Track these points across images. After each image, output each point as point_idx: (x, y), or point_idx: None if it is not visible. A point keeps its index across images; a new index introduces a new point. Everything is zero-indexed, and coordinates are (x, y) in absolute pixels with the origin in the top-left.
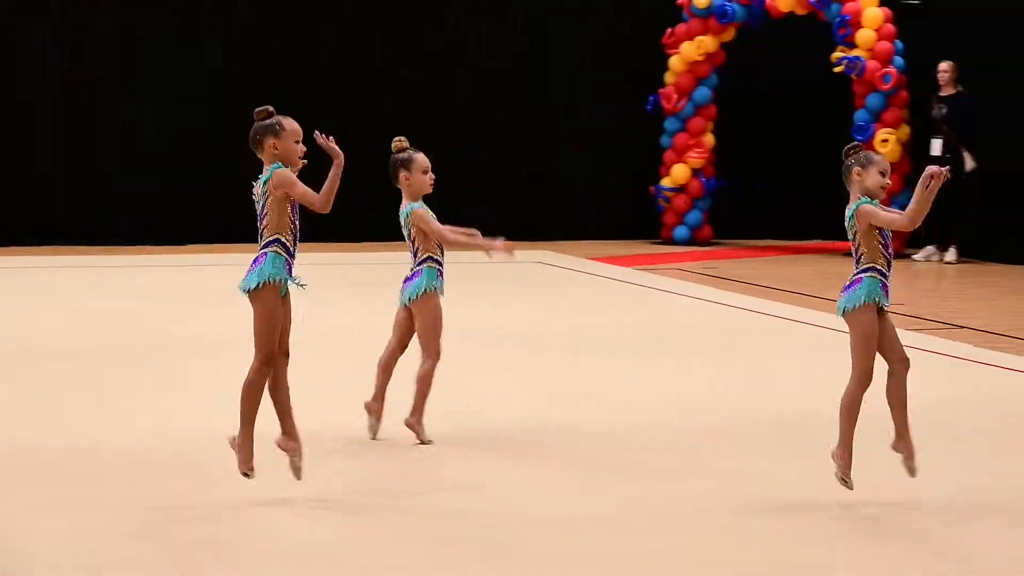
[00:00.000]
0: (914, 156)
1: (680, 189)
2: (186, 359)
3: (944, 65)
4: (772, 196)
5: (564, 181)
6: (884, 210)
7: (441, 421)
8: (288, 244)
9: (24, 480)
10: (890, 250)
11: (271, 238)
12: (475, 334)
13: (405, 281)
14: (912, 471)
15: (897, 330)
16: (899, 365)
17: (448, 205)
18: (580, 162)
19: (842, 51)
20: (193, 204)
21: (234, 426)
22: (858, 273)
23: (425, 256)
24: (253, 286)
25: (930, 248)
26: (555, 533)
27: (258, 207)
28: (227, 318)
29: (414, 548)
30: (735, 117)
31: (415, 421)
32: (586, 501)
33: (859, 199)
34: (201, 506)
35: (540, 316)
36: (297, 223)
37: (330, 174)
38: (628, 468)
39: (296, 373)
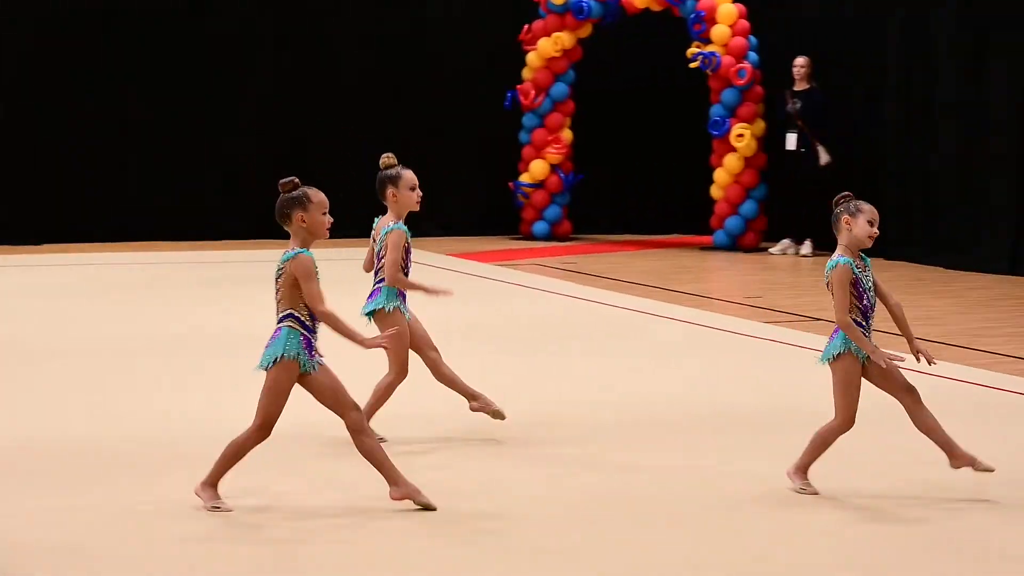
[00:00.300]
0: (768, 150)
1: (539, 185)
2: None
3: (800, 60)
4: (630, 191)
5: (423, 177)
6: (844, 294)
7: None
8: (303, 319)
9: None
10: (865, 301)
11: (285, 312)
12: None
13: (369, 296)
14: (986, 469)
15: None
16: (906, 395)
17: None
18: (439, 158)
19: (697, 47)
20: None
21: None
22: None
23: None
24: (266, 365)
25: (786, 241)
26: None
27: (276, 279)
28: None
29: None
30: (593, 113)
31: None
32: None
33: (841, 254)
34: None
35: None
36: None
37: (345, 330)
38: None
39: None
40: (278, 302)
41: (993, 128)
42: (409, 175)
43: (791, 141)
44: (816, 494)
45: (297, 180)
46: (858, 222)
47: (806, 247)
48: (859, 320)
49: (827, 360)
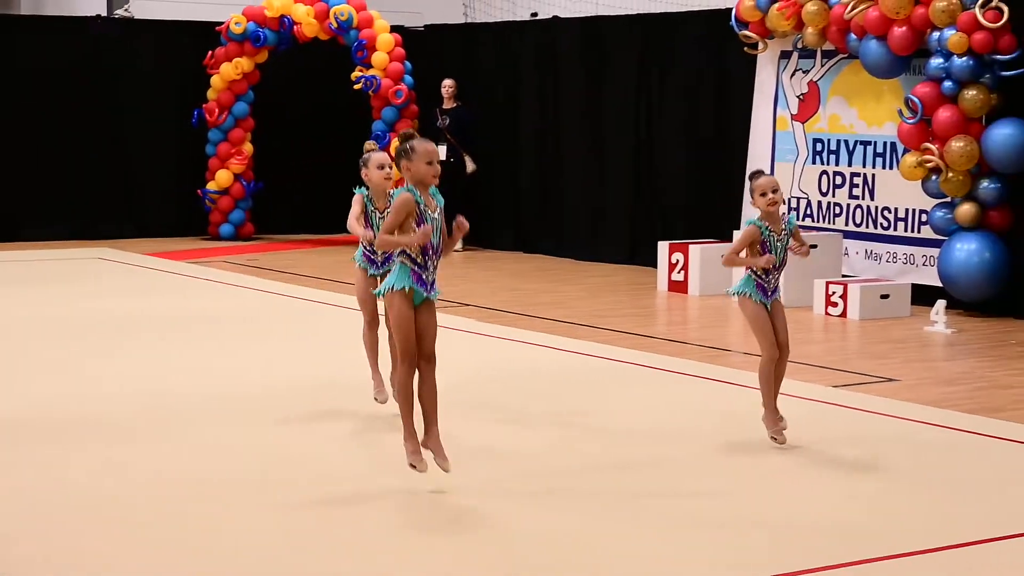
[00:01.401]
0: None
1: (224, 192)
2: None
3: (448, 82)
4: (306, 196)
5: (120, 185)
6: (743, 245)
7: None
8: (414, 255)
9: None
10: (767, 254)
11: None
12: (52, 324)
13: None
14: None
15: None
16: (780, 350)
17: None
18: (134, 168)
19: (360, 71)
20: None
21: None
22: (398, 255)
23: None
24: (380, 293)
25: None
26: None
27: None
28: None
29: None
30: (271, 128)
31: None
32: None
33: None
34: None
35: (110, 305)
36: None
37: (400, 238)
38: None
39: None
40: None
41: (610, 136)
42: (376, 157)
43: (442, 152)
44: (783, 434)
45: (411, 131)
46: (755, 197)
47: (457, 244)
48: (760, 274)
49: (731, 294)
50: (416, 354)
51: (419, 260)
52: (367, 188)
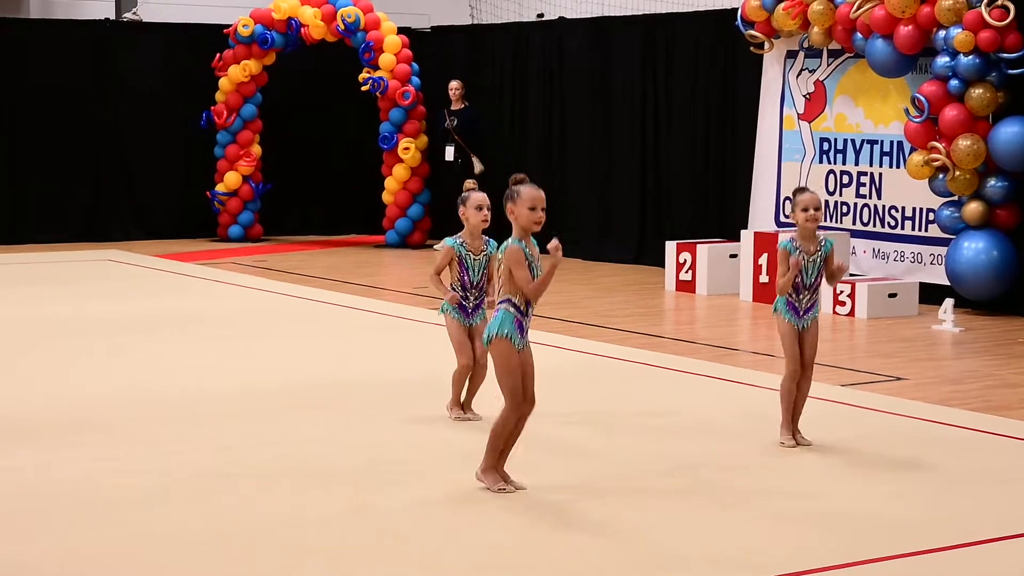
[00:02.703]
0: (431, 161)
1: (233, 193)
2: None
3: (454, 83)
4: (313, 197)
5: (126, 187)
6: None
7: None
8: (519, 305)
9: None
10: (801, 279)
11: (504, 298)
12: (67, 323)
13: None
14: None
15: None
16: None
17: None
18: (143, 170)
19: (368, 72)
20: None
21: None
22: (501, 302)
23: (504, 297)
24: (486, 342)
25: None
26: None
27: (493, 267)
28: None
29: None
30: (279, 129)
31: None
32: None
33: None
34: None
35: (118, 306)
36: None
37: (546, 280)
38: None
39: None
40: (500, 287)
41: (617, 136)
42: (475, 197)
43: (449, 153)
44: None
45: (521, 176)
46: (795, 211)
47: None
48: (790, 293)
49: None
50: (523, 399)
51: (522, 308)
52: (456, 238)
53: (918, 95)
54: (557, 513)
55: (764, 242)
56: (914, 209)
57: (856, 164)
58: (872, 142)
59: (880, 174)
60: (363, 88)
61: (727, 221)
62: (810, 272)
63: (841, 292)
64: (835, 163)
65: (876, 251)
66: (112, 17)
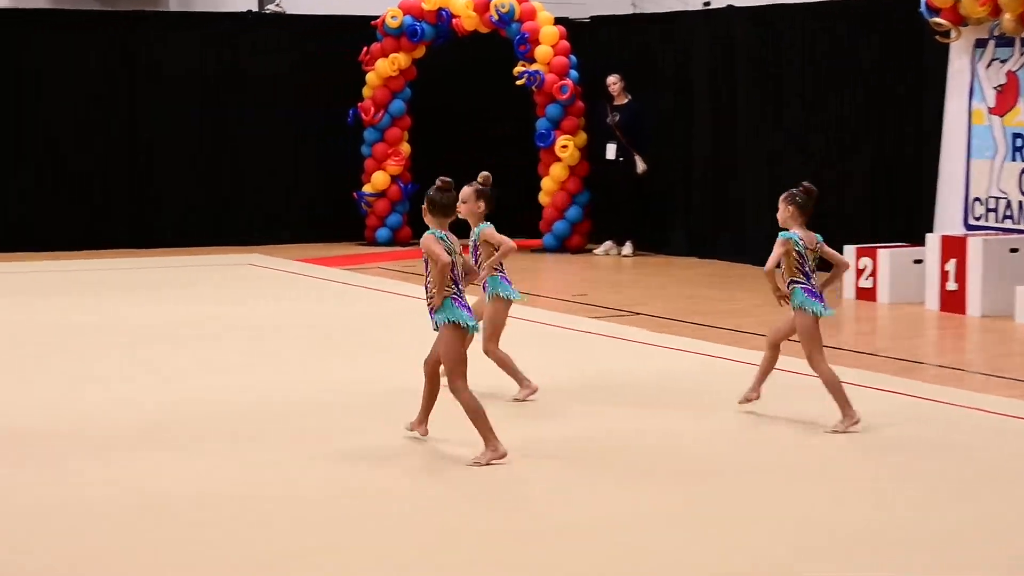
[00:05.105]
0: (590, 160)
1: (380, 194)
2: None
3: (612, 78)
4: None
5: (271, 189)
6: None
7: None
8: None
9: None
10: (806, 267)
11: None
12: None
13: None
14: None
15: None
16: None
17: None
18: (287, 171)
19: (523, 66)
20: None
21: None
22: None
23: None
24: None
25: (608, 243)
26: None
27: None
28: None
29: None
30: (428, 126)
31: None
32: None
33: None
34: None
35: (262, 311)
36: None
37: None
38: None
39: None
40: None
41: (791, 132)
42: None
43: (611, 151)
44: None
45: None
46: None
47: (627, 248)
48: (802, 278)
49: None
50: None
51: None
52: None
53: None
54: None
55: (952, 246)
56: None
57: None
58: None
59: None
60: (518, 82)
61: (911, 223)
62: (809, 260)
63: None
64: None
65: None
66: (255, 9)
